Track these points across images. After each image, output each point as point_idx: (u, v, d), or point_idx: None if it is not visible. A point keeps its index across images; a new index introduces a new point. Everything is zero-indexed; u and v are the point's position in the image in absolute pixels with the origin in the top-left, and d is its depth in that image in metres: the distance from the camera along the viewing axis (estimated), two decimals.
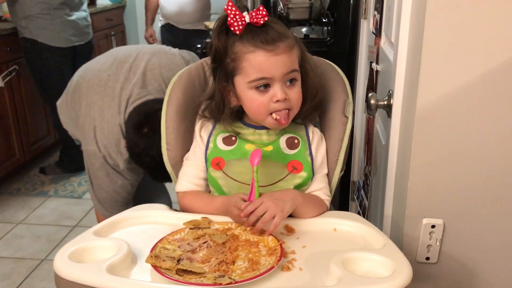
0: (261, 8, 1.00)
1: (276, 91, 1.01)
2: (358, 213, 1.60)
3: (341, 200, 2.08)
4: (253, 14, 1.00)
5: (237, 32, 1.00)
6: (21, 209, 2.78)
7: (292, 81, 1.03)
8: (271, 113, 1.03)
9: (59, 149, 3.30)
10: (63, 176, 3.15)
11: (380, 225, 1.18)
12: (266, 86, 1.01)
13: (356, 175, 1.94)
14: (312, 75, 1.08)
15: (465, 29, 0.87)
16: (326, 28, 2.25)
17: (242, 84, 1.03)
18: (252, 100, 1.03)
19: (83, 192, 2.99)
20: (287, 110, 1.03)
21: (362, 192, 1.67)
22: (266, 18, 1.00)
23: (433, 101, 0.92)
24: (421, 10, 0.91)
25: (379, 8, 1.42)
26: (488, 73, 0.89)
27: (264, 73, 1.00)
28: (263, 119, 1.05)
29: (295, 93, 1.03)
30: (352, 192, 1.99)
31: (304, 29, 2.29)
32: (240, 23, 0.99)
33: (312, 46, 1.13)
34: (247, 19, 1.00)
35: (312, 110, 1.11)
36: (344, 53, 2.06)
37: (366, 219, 1.09)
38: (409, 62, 1.01)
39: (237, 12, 0.99)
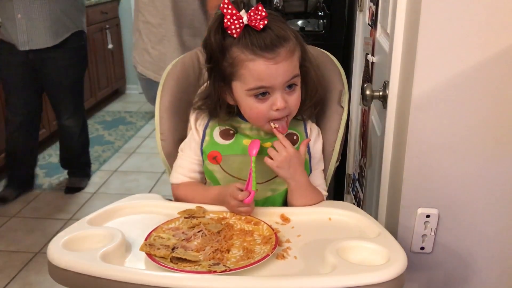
0: (260, 8, 0.95)
1: (276, 99, 0.98)
2: None
3: (336, 193, 2.08)
4: (252, 14, 0.95)
5: (235, 36, 0.96)
6: (15, 202, 2.77)
7: (291, 86, 1.00)
8: (269, 121, 1.01)
9: (51, 144, 3.21)
10: (58, 170, 3.12)
11: (375, 216, 1.18)
12: (265, 93, 0.99)
13: (351, 167, 1.94)
14: (313, 73, 1.06)
15: (460, 19, 0.87)
16: (322, 21, 2.26)
17: (240, 90, 1.00)
18: (250, 108, 1.01)
19: None
20: (286, 117, 1.02)
21: (357, 184, 1.67)
22: (265, 21, 0.95)
23: (428, 91, 0.92)
24: (417, 0, 0.91)
25: None
26: (484, 63, 0.89)
27: (264, 82, 0.97)
28: (262, 125, 1.03)
29: (294, 99, 1.02)
30: (347, 185, 1.99)
31: (299, 22, 2.29)
32: (237, 25, 0.95)
33: (308, 39, 1.11)
34: (245, 20, 0.95)
35: (312, 108, 1.11)
36: (340, 45, 2.06)
37: None
38: (404, 52, 1.01)
39: (234, 11, 0.94)
